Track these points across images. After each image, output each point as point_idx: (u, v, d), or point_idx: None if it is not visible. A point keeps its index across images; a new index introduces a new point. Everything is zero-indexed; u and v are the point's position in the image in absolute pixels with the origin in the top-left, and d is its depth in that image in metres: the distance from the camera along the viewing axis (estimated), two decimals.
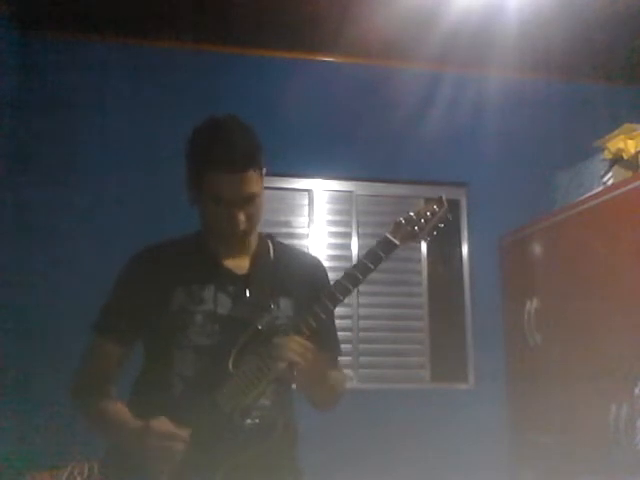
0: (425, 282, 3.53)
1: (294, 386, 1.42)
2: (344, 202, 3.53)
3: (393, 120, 3.52)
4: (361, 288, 1.43)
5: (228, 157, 1.36)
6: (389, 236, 1.44)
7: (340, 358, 1.62)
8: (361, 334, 3.38)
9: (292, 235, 3.41)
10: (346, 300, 1.44)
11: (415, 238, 1.47)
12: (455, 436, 3.19)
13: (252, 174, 1.39)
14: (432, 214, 1.48)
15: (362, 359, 3.36)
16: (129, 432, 1.33)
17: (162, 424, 1.28)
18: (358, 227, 3.49)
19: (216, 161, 1.36)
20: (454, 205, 3.63)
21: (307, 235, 3.44)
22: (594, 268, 2.63)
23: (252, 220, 1.43)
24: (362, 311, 3.40)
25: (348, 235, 3.49)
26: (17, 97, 3.12)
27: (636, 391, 2.28)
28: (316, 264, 1.63)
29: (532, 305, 3.04)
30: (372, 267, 1.41)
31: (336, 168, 3.46)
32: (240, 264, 1.49)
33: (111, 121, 3.24)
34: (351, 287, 1.39)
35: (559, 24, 3.17)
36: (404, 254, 3.44)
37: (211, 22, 3.20)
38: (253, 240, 1.52)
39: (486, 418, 3.22)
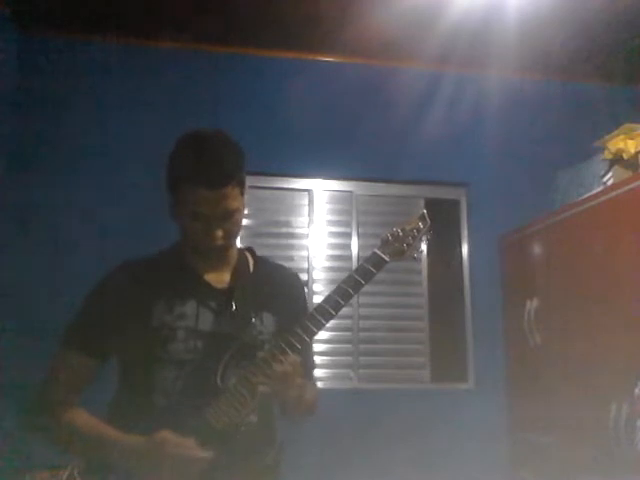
0: (425, 282, 3.53)
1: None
2: (344, 202, 3.53)
3: (393, 120, 3.52)
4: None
5: (207, 173, 1.35)
6: (378, 252, 1.45)
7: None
8: (361, 334, 3.38)
9: (292, 235, 3.40)
10: None
11: (403, 255, 1.48)
12: (455, 436, 3.19)
13: (231, 190, 1.37)
14: (417, 231, 1.49)
15: (362, 359, 3.36)
16: (130, 448, 1.29)
17: (171, 435, 1.26)
18: (358, 227, 3.49)
19: (195, 176, 1.35)
20: (454, 205, 3.64)
21: (307, 235, 3.43)
22: (594, 268, 2.63)
23: (230, 236, 1.43)
24: (362, 311, 3.40)
25: (348, 235, 3.49)
26: (17, 97, 3.12)
27: (636, 391, 2.28)
28: (294, 278, 1.65)
29: (532, 305, 3.04)
30: (363, 282, 1.41)
31: (336, 168, 3.46)
32: (220, 278, 1.48)
33: (111, 121, 3.24)
34: (342, 302, 1.39)
35: (559, 24, 3.17)
36: None
37: (211, 22, 3.20)
38: (232, 254, 1.52)
39: (486, 418, 3.22)
